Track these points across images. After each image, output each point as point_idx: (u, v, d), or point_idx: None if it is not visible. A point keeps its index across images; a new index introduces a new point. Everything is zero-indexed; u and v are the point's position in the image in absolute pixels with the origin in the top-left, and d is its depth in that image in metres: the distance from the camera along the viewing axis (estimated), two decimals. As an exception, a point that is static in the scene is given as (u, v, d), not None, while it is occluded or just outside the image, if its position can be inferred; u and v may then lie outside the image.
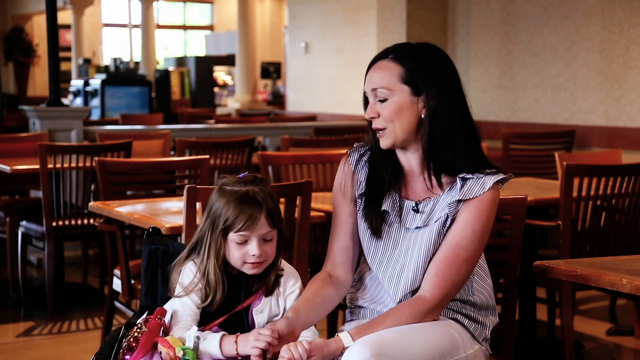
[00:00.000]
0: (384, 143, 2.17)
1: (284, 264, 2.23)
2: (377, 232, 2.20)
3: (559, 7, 6.85)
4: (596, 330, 4.49)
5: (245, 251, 2.08)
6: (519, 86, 7.28)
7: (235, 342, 2.01)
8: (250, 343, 1.99)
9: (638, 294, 2.02)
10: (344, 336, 2.04)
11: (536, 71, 7.10)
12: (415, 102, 2.13)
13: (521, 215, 2.44)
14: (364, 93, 2.20)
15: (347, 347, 2.01)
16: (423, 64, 2.12)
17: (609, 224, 3.71)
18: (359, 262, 2.34)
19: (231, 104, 13.31)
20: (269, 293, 2.16)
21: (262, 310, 2.15)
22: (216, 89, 15.54)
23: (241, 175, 2.15)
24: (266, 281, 2.14)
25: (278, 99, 14.42)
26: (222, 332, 2.04)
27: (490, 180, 2.12)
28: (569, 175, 3.53)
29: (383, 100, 2.14)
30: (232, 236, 2.08)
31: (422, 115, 2.13)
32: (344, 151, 4.59)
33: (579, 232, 3.64)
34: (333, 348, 2.02)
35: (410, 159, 2.20)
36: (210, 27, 20.35)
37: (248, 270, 2.11)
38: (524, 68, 7.22)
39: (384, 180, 2.21)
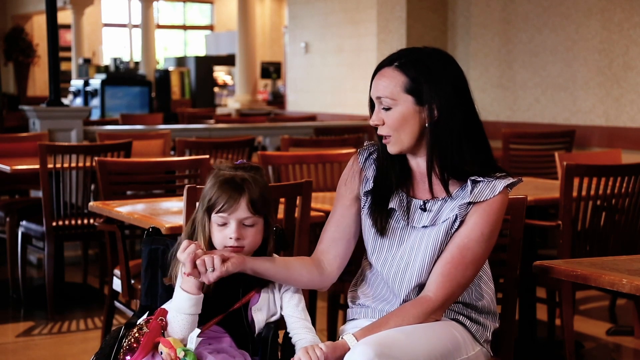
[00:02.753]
0: (391, 149, 2.18)
1: None
2: (382, 231, 2.21)
3: (559, 7, 6.85)
4: (596, 330, 4.49)
5: (225, 234, 2.10)
6: (519, 86, 7.28)
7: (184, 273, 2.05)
8: (182, 255, 2.04)
9: (638, 294, 2.02)
10: (349, 338, 2.05)
11: (536, 71, 7.09)
12: (419, 112, 2.13)
13: (521, 215, 2.44)
14: (370, 98, 2.21)
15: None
16: (427, 73, 2.12)
17: (609, 224, 3.71)
18: (361, 260, 2.34)
19: (231, 104, 13.31)
20: (263, 285, 2.17)
21: (260, 308, 2.16)
22: (216, 89, 15.54)
23: (238, 162, 2.19)
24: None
25: (278, 99, 14.42)
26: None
27: (500, 184, 2.14)
28: (569, 175, 3.53)
29: (387, 109, 2.15)
30: (214, 217, 2.11)
31: (426, 124, 2.13)
32: (344, 151, 4.64)
33: (579, 232, 3.64)
34: (340, 351, 2.03)
35: (419, 162, 2.22)
36: (210, 27, 20.35)
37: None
38: (524, 68, 7.22)
39: (391, 181, 2.21)
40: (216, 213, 2.09)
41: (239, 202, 2.08)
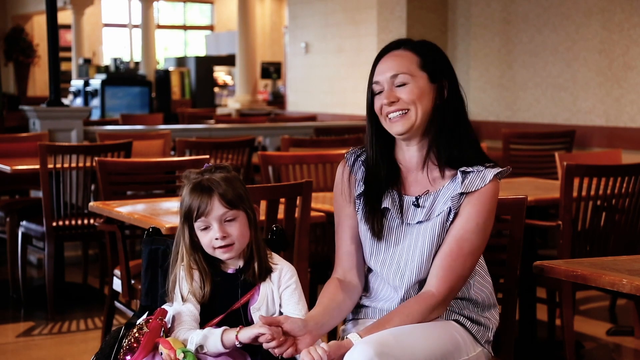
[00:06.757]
0: (402, 126, 2.17)
1: (278, 259, 2.24)
2: (378, 234, 2.21)
3: (559, 7, 6.85)
4: (596, 330, 4.49)
5: (210, 236, 2.12)
6: (519, 86, 7.28)
7: (237, 332, 2.01)
8: (254, 329, 2.00)
9: (638, 294, 2.02)
10: (353, 337, 2.05)
11: (536, 71, 7.09)
12: (431, 89, 2.19)
13: (521, 215, 2.44)
14: (371, 87, 2.21)
15: None
16: (435, 55, 2.22)
17: (609, 224, 3.71)
18: None
19: (231, 104, 13.31)
20: (261, 280, 2.16)
21: (259, 307, 2.16)
22: (216, 89, 15.54)
23: (205, 166, 2.20)
24: (252, 269, 2.15)
25: (278, 99, 14.43)
26: (224, 327, 2.05)
27: (490, 173, 2.16)
28: (569, 175, 3.53)
29: (402, 85, 2.17)
30: (196, 224, 2.13)
31: (437, 102, 2.18)
32: (344, 151, 4.61)
33: (579, 232, 3.64)
34: (345, 349, 2.02)
35: (411, 152, 2.23)
36: (210, 27, 20.35)
37: (221, 255, 2.13)
38: (524, 68, 7.22)
39: (381, 178, 2.22)
40: (196, 220, 2.12)
41: (212, 202, 2.10)
